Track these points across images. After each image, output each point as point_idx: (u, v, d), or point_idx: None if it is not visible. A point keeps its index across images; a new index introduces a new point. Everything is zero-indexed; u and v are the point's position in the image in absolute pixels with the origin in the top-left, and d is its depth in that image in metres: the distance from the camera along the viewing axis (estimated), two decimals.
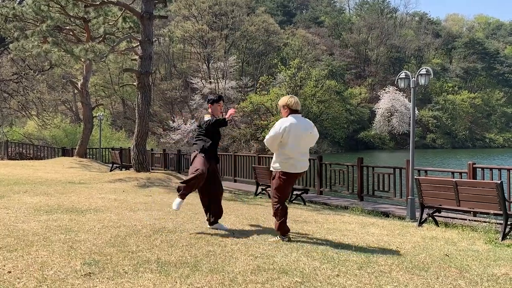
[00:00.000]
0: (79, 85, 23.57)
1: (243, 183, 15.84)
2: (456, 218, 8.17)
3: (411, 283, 4.09)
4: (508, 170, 8.87)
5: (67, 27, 20.17)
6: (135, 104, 15.04)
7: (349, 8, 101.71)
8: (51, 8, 16.86)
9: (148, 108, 14.58)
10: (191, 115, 54.89)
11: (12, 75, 29.66)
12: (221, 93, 48.10)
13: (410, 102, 10.39)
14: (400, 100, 61.66)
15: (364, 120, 65.19)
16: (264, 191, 12.43)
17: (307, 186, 12.90)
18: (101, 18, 18.08)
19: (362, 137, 63.17)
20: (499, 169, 9.58)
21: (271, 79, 57.32)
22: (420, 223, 7.59)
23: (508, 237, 6.63)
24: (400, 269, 4.49)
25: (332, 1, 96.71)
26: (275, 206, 5.63)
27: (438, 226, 7.60)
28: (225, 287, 3.76)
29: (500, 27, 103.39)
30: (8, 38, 22.38)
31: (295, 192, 11.31)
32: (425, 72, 9.70)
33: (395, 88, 59.74)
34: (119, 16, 17.57)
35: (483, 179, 9.22)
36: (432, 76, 9.88)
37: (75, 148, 24.19)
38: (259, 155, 15.91)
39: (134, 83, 14.91)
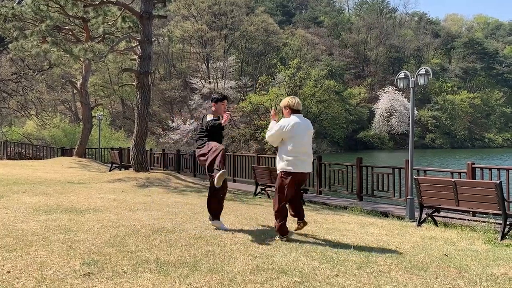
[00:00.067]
0: (78, 85, 23.56)
1: (242, 183, 15.84)
2: (455, 218, 8.18)
3: (410, 283, 4.09)
4: (507, 170, 8.88)
5: (66, 27, 20.16)
6: (134, 104, 15.04)
7: (349, 8, 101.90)
8: (50, 8, 16.85)
9: (147, 108, 14.58)
10: (190, 115, 54.88)
11: (11, 75, 29.63)
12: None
13: (409, 102, 10.39)
14: (399, 100, 61.68)
15: (363, 120, 65.22)
16: (263, 191, 12.43)
17: (306, 186, 12.89)
18: (100, 18, 18.08)
19: (361, 137, 63.20)
20: (498, 169, 9.60)
21: (270, 79, 57.30)
22: (419, 223, 7.59)
23: (507, 237, 6.64)
24: (399, 269, 4.49)
25: (332, 1, 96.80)
26: (275, 207, 5.68)
27: (437, 226, 7.61)
28: (224, 287, 3.76)
29: (499, 27, 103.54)
30: (7, 37, 22.36)
31: None
32: (424, 72, 9.70)
33: (394, 88, 59.77)
34: (118, 16, 17.57)
35: (482, 179, 9.23)
36: (431, 76, 9.88)
37: (74, 148, 24.18)
38: (259, 155, 15.90)
39: (133, 83, 14.91)
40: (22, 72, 28.87)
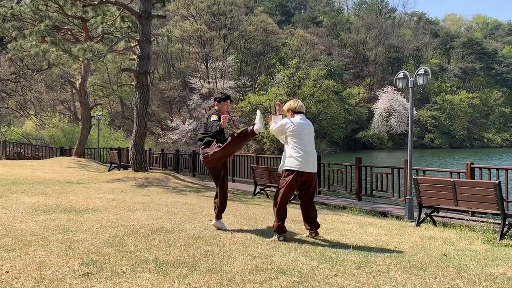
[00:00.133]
0: (77, 84, 23.54)
1: (241, 183, 15.83)
2: (454, 218, 8.19)
3: (409, 282, 4.09)
4: (506, 170, 8.89)
5: (65, 27, 20.13)
6: (133, 104, 15.04)
7: (348, 8, 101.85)
8: (49, 8, 16.82)
9: (146, 108, 14.58)
10: (189, 115, 54.84)
11: (10, 74, 29.59)
12: (219, 92, 48.02)
13: (408, 102, 10.39)
14: (399, 100, 61.70)
15: (363, 120, 65.23)
16: (262, 191, 12.44)
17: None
18: (99, 17, 18.06)
19: (361, 137, 63.23)
20: (497, 169, 9.60)
21: (269, 79, 57.29)
22: (418, 223, 7.59)
23: (506, 236, 6.65)
24: (398, 269, 4.50)
25: (331, 1, 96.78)
26: (275, 206, 5.70)
27: (436, 226, 7.62)
28: (223, 287, 3.76)
29: (498, 27, 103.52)
30: (6, 37, 22.32)
31: None
32: (423, 72, 9.71)
33: (393, 88, 59.78)
34: (117, 16, 17.56)
35: (481, 179, 9.24)
36: (430, 76, 9.89)
37: (73, 148, 24.15)
38: (258, 155, 15.91)
39: (133, 83, 14.92)
40: (21, 72, 28.84)
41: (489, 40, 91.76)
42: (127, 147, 20.52)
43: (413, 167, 10.12)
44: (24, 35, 16.11)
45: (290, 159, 5.60)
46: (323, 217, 8.06)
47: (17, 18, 17.91)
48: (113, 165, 20.82)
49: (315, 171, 5.80)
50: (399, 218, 9.30)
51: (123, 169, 18.22)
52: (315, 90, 56.18)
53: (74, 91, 33.43)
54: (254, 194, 12.52)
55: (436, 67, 75.22)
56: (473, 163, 9.64)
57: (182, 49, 64.46)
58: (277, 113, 5.79)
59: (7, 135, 31.10)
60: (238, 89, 58.26)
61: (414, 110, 15.25)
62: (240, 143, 6.08)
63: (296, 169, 5.56)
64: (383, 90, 64.12)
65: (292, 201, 11.37)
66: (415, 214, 8.34)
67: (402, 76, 10.00)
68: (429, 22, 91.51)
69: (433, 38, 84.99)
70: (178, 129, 49.90)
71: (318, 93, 56.55)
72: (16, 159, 24.43)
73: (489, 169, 9.51)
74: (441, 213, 7.93)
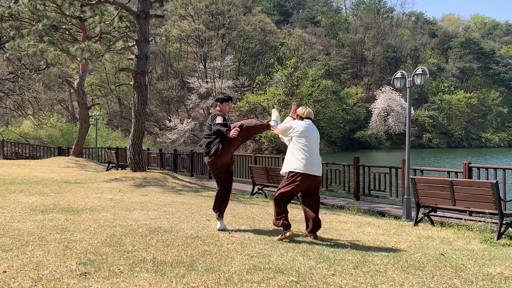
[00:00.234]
0: (75, 84, 23.50)
1: (239, 182, 15.81)
2: (452, 218, 8.20)
3: (406, 282, 4.10)
4: (504, 169, 8.91)
5: (63, 26, 20.09)
6: (132, 104, 15.03)
7: (346, 8, 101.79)
8: (47, 7, 16.79)
9: (144, 107, 14.56)
10: (187, 115, 54.83)
11: (8, 74, 29.52)
12: (218, 92, 48.00)
13: (406, 102, 10.41)
14: (396, 99, 61.73)
15: (361, 119, 65.31)
16: (260, 191, 12.44)
17: None
18: (97, 17, 18.01)
19: (359, 137, 63.31)
20: (495, 169, 9.61)
21: (267, 79, 57.30)
22: (416, 223, 7.61)
23: (503, 236, 6.66)
24: (395, 268, 4.50)
25: (329, 1, 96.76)
26: (275, 205, 5.75)
27: (434, 225, 7.63)
28: (221, 287, 3.76)
29: (496, 27, 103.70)
30: (4, 37, 22.28)
31: None
32: (421, 72, 9.72)
33: (391, 88, 59.77)
34: (115, 15, 17.53)
35: (479, 179, 9.26)
36: (428, 76, 9.91)
37: (71, 148, 24.12)
38: (256, 155, 15.90)
39: (130, 83, 14.89)
40: (19, 72, 28.79)
41: (487, 40, 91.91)
42: (125, 146, 20.49)
43: (411, 167, 10.14)
44: (22, 34, 16.09)
45: (295, 161, 5.64)
46: (321, 216, 8.06)
47: (15, 17, 17.87)
48: (111, 164, 20.80)
49: (320, 174, 5.84)
50: (396, 217, 9.31)
51: (121, 169, 18.20)
52: (313, 90, 56.22)
53: (72, 90, 33.32)
54: (252, 193, 12.52)
55: (434, 67, 75.31)
56: (470, 163, 9.66)
57: (180, 49, 64.46)
58: (291, 115, 6.16)
59: (5, 135, 31.04)
60: (236, 89, 58.23)
61: (412, 110, 15.28)
62: (250, 135, 6.31)
63: (301, 171, 5.59)
64: (381, 90, 64.15)
65: (292, 201, 11.40)
66: (413, 213, 8.35)
67: (400, 76, 10.02)
68: (427, 22, 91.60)
69: (431, 38, 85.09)
70: (176, 129, 49.88)
71: (316, 93, 56.59)
72: (14, 159, 24.40)
73: (486, 168, 9.52)
74: (438, 213, 7.94)
